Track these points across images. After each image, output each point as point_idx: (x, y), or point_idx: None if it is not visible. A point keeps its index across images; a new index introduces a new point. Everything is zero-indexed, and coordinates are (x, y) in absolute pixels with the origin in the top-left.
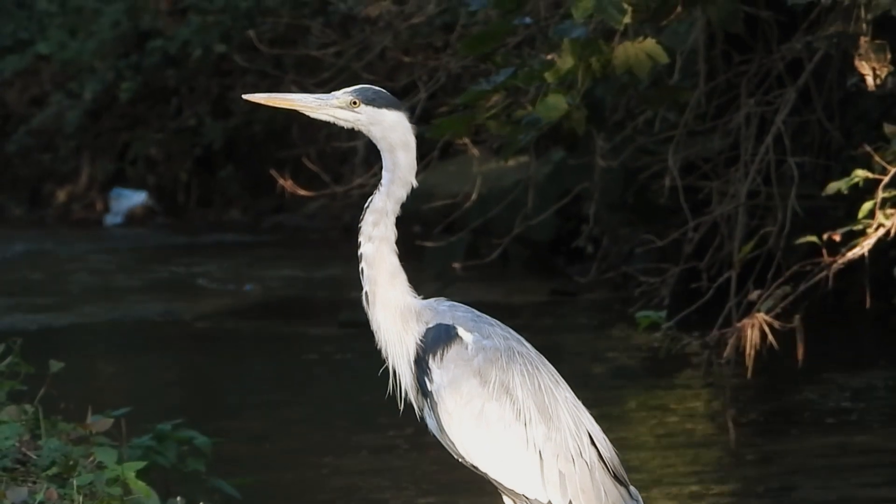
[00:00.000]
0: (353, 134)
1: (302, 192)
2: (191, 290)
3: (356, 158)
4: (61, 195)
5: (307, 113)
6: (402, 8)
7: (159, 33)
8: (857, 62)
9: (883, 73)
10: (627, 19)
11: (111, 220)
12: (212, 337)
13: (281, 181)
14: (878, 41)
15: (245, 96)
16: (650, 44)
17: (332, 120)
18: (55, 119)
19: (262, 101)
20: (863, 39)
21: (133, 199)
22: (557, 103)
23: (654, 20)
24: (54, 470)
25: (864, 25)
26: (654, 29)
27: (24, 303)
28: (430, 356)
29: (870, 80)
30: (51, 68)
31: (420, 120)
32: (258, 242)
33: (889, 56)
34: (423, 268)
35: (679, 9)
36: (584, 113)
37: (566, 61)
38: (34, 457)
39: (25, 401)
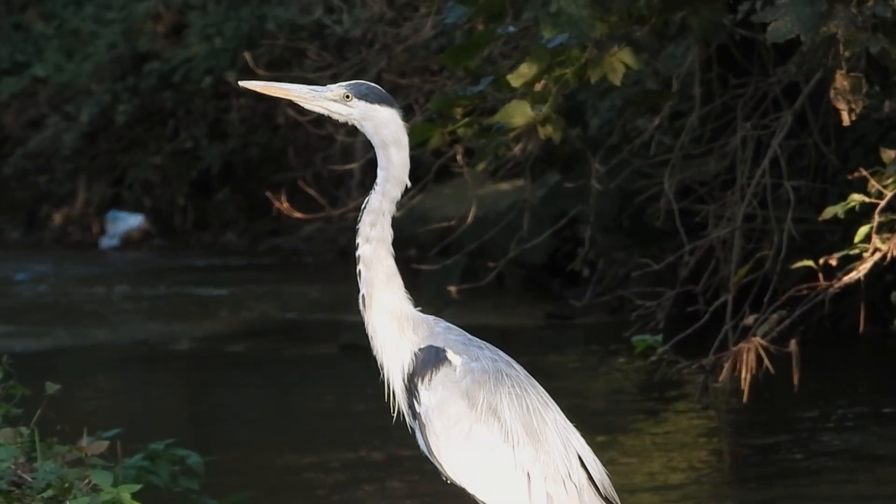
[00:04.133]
0: (350, 156)
1: (298, 215)
2: (187, 313)
3: (352, 182)
4: (58, 218)
5: (300, 103)
6: (398, 31)
7: (156, 56)
8: (832, 96)
9: (858, 107)
10: (599, 32)
11: (107, 242)
12: (208, 359)
13: (277, 204)
14: (853, 75)
15: (241, 83)
16: (626, 52)
17: (325, 112)
18: (52, 142)
19: (259, 89)
20: (838, 74)
21: (129, 221)
22: (521, 109)
23: (635, 27)
24: (50, 492)
25: (841, 61)
26: (649, 47)
27: (21, 325)
28: (419, 379)
29: (845, 115)
30: (47, 91)
31: (416, 144)
32: (254, 265)
33: (865, 89)
34: (419, 291)
35: (654, 19)
36: (559, 121)
37: (531, 68)
38: (29, 479)
39: (21, 423)
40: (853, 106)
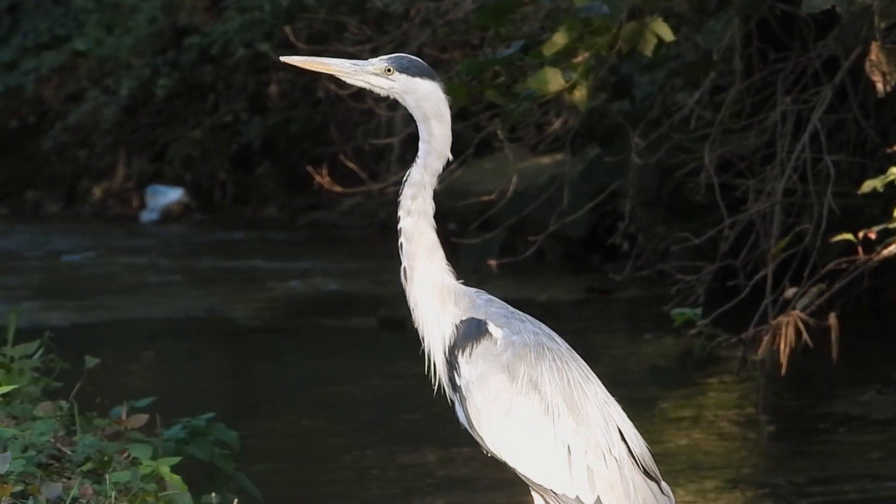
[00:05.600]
0: (390, 130)
1: (338, 190)
2: (226, 287)
3: (392, 156)
4: (98, 192)
5: (343, 77)
6: (439, 5)
7: (196, 30)
8: (867, 68)
9: (893, 79)
10: (633, 2)
11: (147, 216)
12: (247, 332)
13: (317, 178)
14: (889, 46)
15: (282, 58)
16: (659, 23)
17: (367, 86)
18: (91, 116)
19: (300, 65)
20: (874, 45)
21: (169, 195)
22: (553, 77)
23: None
24: (89, 466)
25: (876, 33)
26: (690, 21)
27: (60, 299)
28: (460, 351)
29: (880, 86)
30: (87, 65)
31: (456, 118)
32: (294, 240)
33: None
34: (459, 265)
35: None
36: (587, 89)
37: (563, 37)
38: (69, 452)
39: (61, 397)
40: (889, 78)
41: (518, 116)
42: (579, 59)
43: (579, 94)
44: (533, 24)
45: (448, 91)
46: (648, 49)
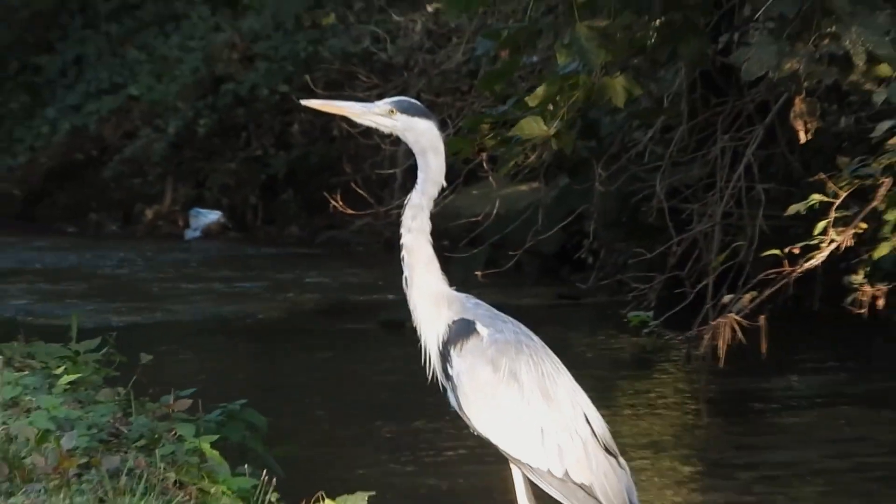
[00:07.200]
0: (394, 162)
1: (350, 212)
2: (256, 293)
3: (395, 184)
4: (149, 214)
5: (353, 118)
6: (434, 57)
7: (231, 78)
8: (792, 118)
9: (813, 127)
10: (603, 59)
11: (190, 234)
12: (273, 331)
13: (332, 202)
14: (809, 100)
15: (303, 102)
16: (626, 78)
17: (374, 125)
18: (144, 150)
19: (318, 107)
20: (798, 99)
21: (209, 217)
22: (535, 124)
23: (633, 56)
24: (142, 442)
25: (802, 88)
26: (645, 72)
27: (118, 303)
28: (452, 346)
29: (802, 134)
30: (140, 107)
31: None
32: (312, 254)
33: (819, 112)
34: (451, 275)
35: (650, 49)
36: (569, 135)
37: (546, 90)
38: (125, 431)
39: (119, 385)
40: (809, 126)
41: (511, 159)
42: (562, 109)
43: (565, 140)
44: (522, 83)
45: (454, 145)
46: (620, 101)
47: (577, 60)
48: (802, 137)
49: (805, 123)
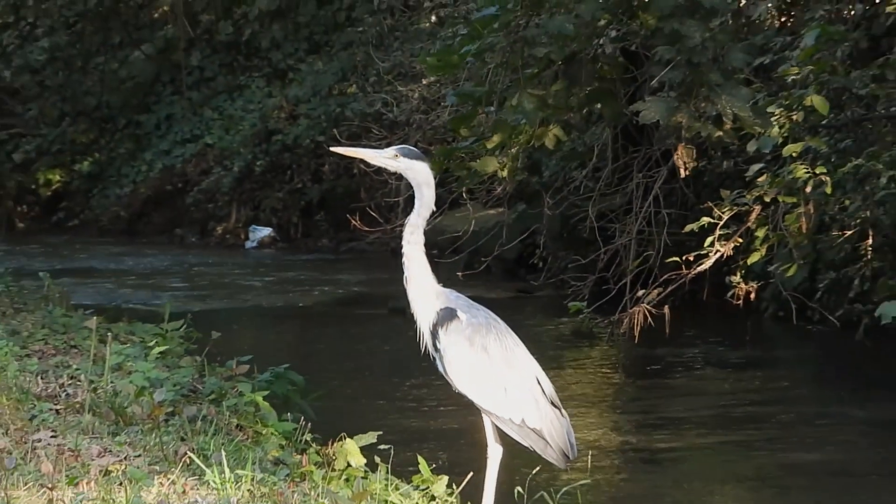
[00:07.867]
0: (398, 192)
1: (366, 229)
2: (297, 288)
3: (399, 209)
4: (219, 229)
5: (368, 161)
6: (427, 116)
7: (280, 131)
8: (675, 159)
9: (690, 167)
10: (541, 116)
11: (249, 245)
12: (309, 316)
13: (353, 222)
14: (687, 147)
15: (332, 148)
16: (557, 130)
17: (383, 165)
18: (216, 183)
19: (341, 152)
20: (679, 146)
21: (263, 232)
22: (490, 162)
23: (566, 113)
24: (213, 396)
25: (684, 138)
26: (580, 126)
27: (195, 294)
28: (440, 328)
29: (682, 171)
30: (213, 152)
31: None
32: (339, 259)
33: (694, 155)
34: (438, 275)
35: (580, 109)
36: (513, 169)
37: (499, 136)
38: (201, 388)
39: (196, 354)
40: (687, 166)
41: (469, 183)
42: (511, 151)
43: (508, 171)
44: (482, 127)
45: (433, 166)
46: (551, 144)
47: (521, 116)
48: (682, 173)
49: (685, 164)
